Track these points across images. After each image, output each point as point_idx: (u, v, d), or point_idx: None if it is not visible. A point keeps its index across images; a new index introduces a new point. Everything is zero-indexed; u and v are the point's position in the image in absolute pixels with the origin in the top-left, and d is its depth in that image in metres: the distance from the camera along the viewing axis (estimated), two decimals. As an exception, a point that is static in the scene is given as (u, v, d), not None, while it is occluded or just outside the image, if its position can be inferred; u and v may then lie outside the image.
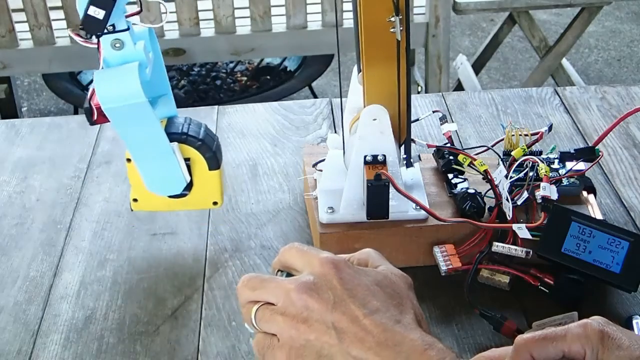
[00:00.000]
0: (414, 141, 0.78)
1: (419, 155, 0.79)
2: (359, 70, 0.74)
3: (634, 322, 0.69)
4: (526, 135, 0.81)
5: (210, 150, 0.74)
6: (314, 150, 0.86)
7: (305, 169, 0.83)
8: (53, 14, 2.27)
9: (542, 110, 1.03)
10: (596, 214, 0.75)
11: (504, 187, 0.74)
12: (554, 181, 0.76)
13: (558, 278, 0.70)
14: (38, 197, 0.90)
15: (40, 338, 0.71)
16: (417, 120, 0.89)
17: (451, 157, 0.80)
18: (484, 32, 3.46)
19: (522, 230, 0.70)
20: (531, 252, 0.70)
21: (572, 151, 0.80)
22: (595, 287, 0.72)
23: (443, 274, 0.73)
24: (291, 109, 1.05)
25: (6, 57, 2.31)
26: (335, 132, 1.00)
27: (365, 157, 0.72)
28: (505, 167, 0.76)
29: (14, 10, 2.26)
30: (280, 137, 0.99)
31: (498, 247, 0.71)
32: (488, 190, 0.76)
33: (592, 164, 0.79)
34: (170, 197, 0.77)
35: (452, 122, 0.99)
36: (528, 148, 0.79)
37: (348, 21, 2.16)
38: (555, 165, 0.80)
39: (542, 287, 0.71)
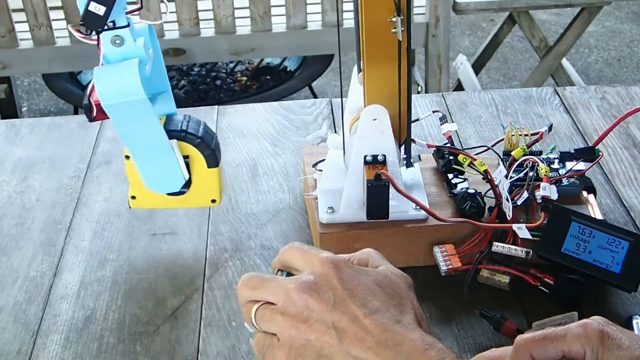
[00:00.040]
0: (414, 141, 0.78)
1: (419, 155, 0.79)
2: (359, 70, 0.74)
3: (634, 322, 0.69)
4: (526, 135, 0.81)
5: (209, 147, 0.74)
6: (314, 150, 0.86)
7: (305, 169, 0.83)
8: (53, 14, 2.27)
9: (542, 110, 1.03)
10: (596, 214, 0.75)
11: (504, 187, 0.74)
12: (554, 181, 0.76)
13: (558, 278, 0.70)
14: (38, 197, 0.90)
15: (40, 338, 0.71)
16: (417, 120, 0.89)
17: (451, 157, 0.80)
18: (484, 32, 3.46)
19: (522, 230, 0.70)
20: (531, 252, 0.70)
21: (572, 151, 0.80)
22: (595, 287, 0.72)
23: (443, 274, 0.73)
24: (291, 109, 1.05)
25: (6, 57, 2.31)
26: (335, 132, 1.00)
27: (365, 157, 0.72)
28: (505, 167, 0.76)
29: (14, 10, 2.26)
30: (280, 137, 0.99)
31: (498, 247, 0.71)
32: (488, 190, 0.76)
33: (592, 164, 0.79)
34: (168, 194, 0.76)
35: (452, 122, 0.99)
36: (528, 148, 0.79)
37: (348, 21, 2.16)
38: (555, 165, 0.80)
39: (542, 287, 0.71)
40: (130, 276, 0.78)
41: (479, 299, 0.71)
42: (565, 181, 0.78)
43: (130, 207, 0.78)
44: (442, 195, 0.78)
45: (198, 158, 0.75)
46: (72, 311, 0.74)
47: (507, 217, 0.73)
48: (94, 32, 0.66)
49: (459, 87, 2.75)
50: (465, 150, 0.81)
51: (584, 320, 0.50)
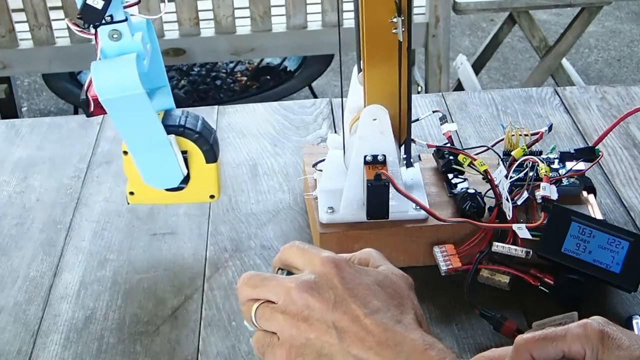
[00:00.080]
0: (414, 141, 0.78)
1: (419, 155, 0.79)
2: (360, 70, 0.74)
3: (634, 322, 0.69)
4: (526, 135, 0.81)
5: (208, 143, 0.74)
6: (314, 150, 0.86)
7: (305, 169, 0.83)
8: (53, 14, 2.27)
9: (542, 110, 1.03)
10: (596, 214, 0.75)
11: (504, 187, 0.74)
12: (554, 181, 0.76)
13: (558, 278, 0.70)
14: (38, 197, 0.90)
15: (40, 338, 0.71)
16: (417, 120, 0.89)
17: (451, 157, 0.80)
18: (484, 32, 3.46)
19: (522, 230, 0.70)
20: (531, 252, 0.70)
21: (572, 151, 0.80)
22: (595, 287, 0.72)
23: (443, 274, 0.73)
24: (291, 109, 1.05)
25: (6, 57, 2.31)
26: (335, 132, 1.00)
27: (365, 157, 0.72)
28: (505, 167, 0.76)
29: (14, 10, 2.26)
30: (280, 137, 0.99)
31: (498, 247, 0.71)
32: (488, 190, 0.76)
33: (592, 164, 0.79)
34: (167, 190, 0.76)
35: (452, 122, 0.99)
36: (528, 148, 0.79)
37: (348, 21, 2.16)
38: (555, 165, 0.80)
39: (542, 287, 0.71)
40: (130, 276, 0.78)
41: (479, 299, 0.71)
42: (565, 181, 0.78)
43: (128, 203, 0.78)
44: (442, 195, 0.78)
45: (196, 153, 0.74)
46: (72, 311, 0.74)
47: (507, 217, 0.73)
48: (91, 26, 0.66)
49: (459, 87, 2.75)
50: (465, 150, 0.81)
51: (584, 320, 0.50)
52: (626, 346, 0.48)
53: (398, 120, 0.73)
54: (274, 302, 0.56)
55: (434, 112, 0.87)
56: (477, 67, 2.82)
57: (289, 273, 0.59)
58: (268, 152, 0.96)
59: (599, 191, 0.84)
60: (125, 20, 0.66)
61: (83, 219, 0.86)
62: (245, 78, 2.92)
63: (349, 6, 2.19)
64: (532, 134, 0.81)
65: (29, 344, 0.71)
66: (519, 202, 0.73)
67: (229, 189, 0.89)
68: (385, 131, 0.72)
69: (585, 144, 0.95)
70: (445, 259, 0.73)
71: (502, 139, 0.82)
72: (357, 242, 0.74)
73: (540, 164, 0.75)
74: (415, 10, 2.35)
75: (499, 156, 0.81)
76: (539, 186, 0.73)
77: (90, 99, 0.68)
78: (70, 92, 2.73)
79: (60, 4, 2.24)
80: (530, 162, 0.76)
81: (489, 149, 0.83)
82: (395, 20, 0.66)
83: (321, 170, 0.80)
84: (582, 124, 1.00)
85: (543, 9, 2.96)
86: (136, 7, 0.67)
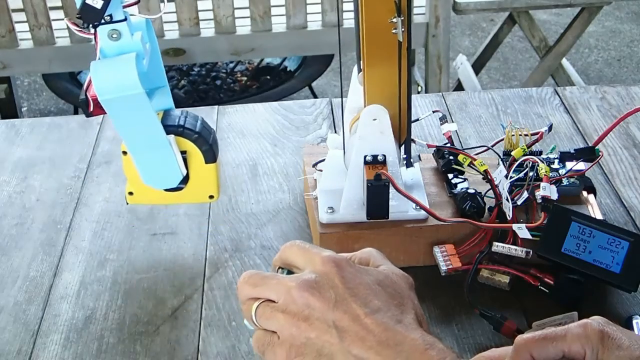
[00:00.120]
0: (414, 141, 0.78)
1: (419, 155, 0.79)
2: (360, 70, 0.74)
3: (634, 322, 0.69)
4: (526, 135, 0.81)
5: (207, 143, 0.74)
6: (314, 150, 0.86)
7: (305, 169, 0.83)
8: (53, 14, 2.27)
9: (542, 110, 1.03)
10: (596, 214, 0.75)
11: (504, 187, 0.74)
12: (554, 181, 0.76)
13: (558, 278, 0.70)
14: (38, 197, 0.90)
15: (40, 338, 0.71)
16: (417, 120, 0.89)
17: (451, 157, 0.80)
18: (484, 32, 3.46)
19: (522, 230, 0.70)
20: (531, 252, 0.70)
21: (572, 151, 0.80)
22: (595, 287, 0.72)
23: (443, 274, 0.73)
24: (291, 109, 1.05)
25: (6, 57, 2.31)
26: (335, 132, 1.00)
27: (365, 157, 0.72)
28: (505, 167, 0.76)
29: (14, 10, 2.26)
30: (280, 137, 0.99)
31: (498, 247, 0.71)
32: (488, 190, 0.76)
33: (592, 164, 0.79)
34: (166, 190, 0.76)
35: (452, 122, 0.99)
36: (528, 148, 0.79)
37: (348, 21, 2.16)
38: (555, 165, 0.80)
39: (542, 287, 0.71)
40: (130, 276, 0.78)
41: (479, 299, 0.71)
42: (565, 181, 0.78)
43: (127, 204, 0.78)
44: (442, 195, 0.78)
45: (196, 153, 0.74)
46: (72, 311, 0.74)
47: (507, 217, 0.73)
48: (90, 26, 0.66)
49: (459, 87, 2.75)
50: (465, 150, 0.81)
51: (584, 320, 0.50)
52: (626, 346, 0.48)
53: (398, 120, 0.73)
54: (274, 301, 0.56)
55: (434, 112, 0.87)
56: (477, 67, 2.82)
57: (290, 272, 0.59)
58: (268, 152, 0.96)
59: (599, 191, 0.84)
60: (125, 19, 0.66)
61: (83, 219, 0.86)
62: (245, 78, 2.92)
63: (348, 6, 2.19)
64: (532, 134, 0.81)
65: (29, 344, 0.71)
66: (519, 202, 0.73)
67: (229, 189, 0.89)
68: (385, 131, 0.72)
69: (585, 144, 0.95)
70: (445, 259, 0.73)
71: (502, 139, 0.82)
72: (357, 242, 0.74)
73: (540, 164, 0.75)
74: (415, 10, 2.35)
75: (499, 156, 0.81)
76: (539, 186, 0.73)
77: (90, 99, 0.68)
78: (70, 92, 2.74)
79: (60, 4, 2.24)
80: (530, 162, 0.76)
81: (489, 149, 0.83)
82: (395, 20, 0.66)
83: (321, 170, 0.80)
84: (582, 124, 1.00)
85: (543, 9, 2.96)
86: (136, 6, 0.66)
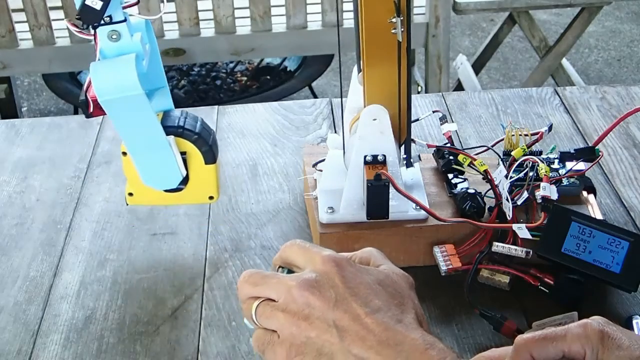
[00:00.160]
0: (414, 141, 0.78)
1: (419, 155, 0.79)
2: (360, 70, 0.74)
3: (634, 322, 0.69)
4: (526, 135, 0.81)
5: (207, 144, 0.74)
6: (314, 150, 0.86)
7: (305, 169, 0.83)
8: (53, 14, 2.27)
9: (542, 110, 1.03)
10: (596, 214, 0.75)
11: (504, 187, 0.74)
12: (554, 181, 0.76)
13: (558, 278, 0.70)
14: (38, 197, 0.90)
15: (40, 338, 0.71)
16: (417, 120, 0.89)
17: (451, 157, 0.80)
18: (484, 32, 3.46)
19: (522, 230, 0.70)
20: (531, 252, 0.70)
21: (572, 151, 0.80)
22: (595, 287, 0.72)
23: (443, 274, 0.73)
24: (291, 109, 1.05)
25: (6, 57, 2.31)
26: (335, 132, 1.00)
27: (365, 157, 0.72)
28: (505, 167, 0.76)
29: (14, 10, 2.26)
30: (280, 137, 0.99)
31: (498, 247, 0.71)
32: (488, 190, 0.76)
33: (592, 164, 0.79)
34: (166, 191, 0.76)
35: (452, 122, 0.99)
36: (528, 148, 0.79)
37: (348, 21, 2.16)
38: (555, 165, 0.80)
39: (542, 287, 0.71)
40: (130, 276, 0.78)
41: (479, 299, 0.71)
42: (565, 181, 0.78)
43: (127, 204, 0.78)
44: (442, 195, 0.78)
45: (195, 154, 0.74)
46: (72, 311, 0.74)
47: (507, 217, 0.73)
48: (90, 27, 0.66)
49: (459, 87, 2.75)
50: (465, 150, 0.81)
51: (584, 320, 0.50)
52: (626, 346, 0.48)
53: (398, 120, 0.73)
54: (274, 300, 0.56)
55: (434, 112, 0.87)
56: (477, 67, 2.82)
57: (290, 271, 0.59)
58: (268, 152, 0.96)
59: (599, 191, 0.84)
60: (124, 20, 0.66)
61: (83, 219, 0.86)
62: (245, 78, 2.92)
63: (348, 6, 2.19)
64: (532, 134, 0.81)
65: (29, 344, 0.71)
66: (519, 202, 0.73)
67: (229, 189, 0.89)
68: (385, 131, 0.72)
69: (585, 144, 0.95)
70: (445, 259, 0.73)
71: (502, 139, 0.82)
72: (357, 242, 0.74)
73: (540, 164, 0.75)
74: (415, 10, 2.36)
75: (499, 156, 0.81)
76: (539, 186, 0.73)
77: (90, 99, 0.68)
78: (70, 92, 2.74)
79: (60, 4, 2.24)
80: (530, 162, 0.76)
81: (489, 149, 0.83)
82: (394, 20, 0.66)
83: (321, 170, 0.80)
84: (582, 124, 1.00)
85: (543, 9, 2.96)
86: (135, 7, 0.67)
